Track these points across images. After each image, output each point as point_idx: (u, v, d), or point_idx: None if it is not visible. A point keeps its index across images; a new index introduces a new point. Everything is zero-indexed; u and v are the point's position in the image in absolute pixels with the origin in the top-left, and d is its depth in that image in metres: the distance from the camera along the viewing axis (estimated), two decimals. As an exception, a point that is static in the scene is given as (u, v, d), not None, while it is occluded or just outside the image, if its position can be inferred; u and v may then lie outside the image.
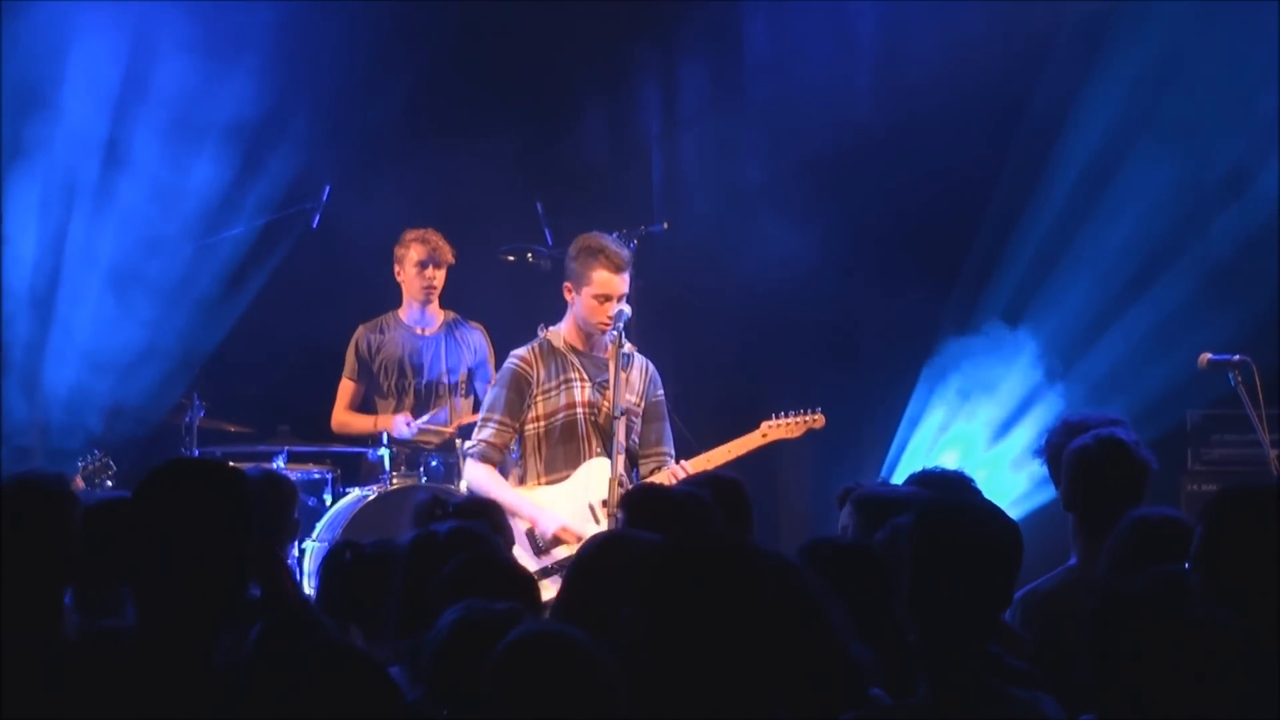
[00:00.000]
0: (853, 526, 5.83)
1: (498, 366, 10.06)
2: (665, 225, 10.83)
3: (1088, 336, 11.33)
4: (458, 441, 10.04)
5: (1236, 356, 8.98)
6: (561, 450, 8.81)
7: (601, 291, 8.72)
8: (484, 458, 8.80)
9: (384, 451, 10.07)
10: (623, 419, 8.65)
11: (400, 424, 10.25)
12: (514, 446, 8.95)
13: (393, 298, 10.62)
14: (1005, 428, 11.26)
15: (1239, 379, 8.91)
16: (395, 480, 9.96)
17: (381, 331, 10.54)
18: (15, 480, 5.04)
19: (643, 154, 12.33)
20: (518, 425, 8.82)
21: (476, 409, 10.30)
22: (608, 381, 8.76)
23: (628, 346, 8.86)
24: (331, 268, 11.35)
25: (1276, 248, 10.88)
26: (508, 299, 10.94)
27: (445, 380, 10.52)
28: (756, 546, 4.19)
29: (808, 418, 9.17)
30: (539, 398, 8.80)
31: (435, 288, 10.50)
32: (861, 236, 11.60)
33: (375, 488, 9.93)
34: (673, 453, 8.98)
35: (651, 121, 12.32)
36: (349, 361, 10.55)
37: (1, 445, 10.46)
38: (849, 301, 11.57)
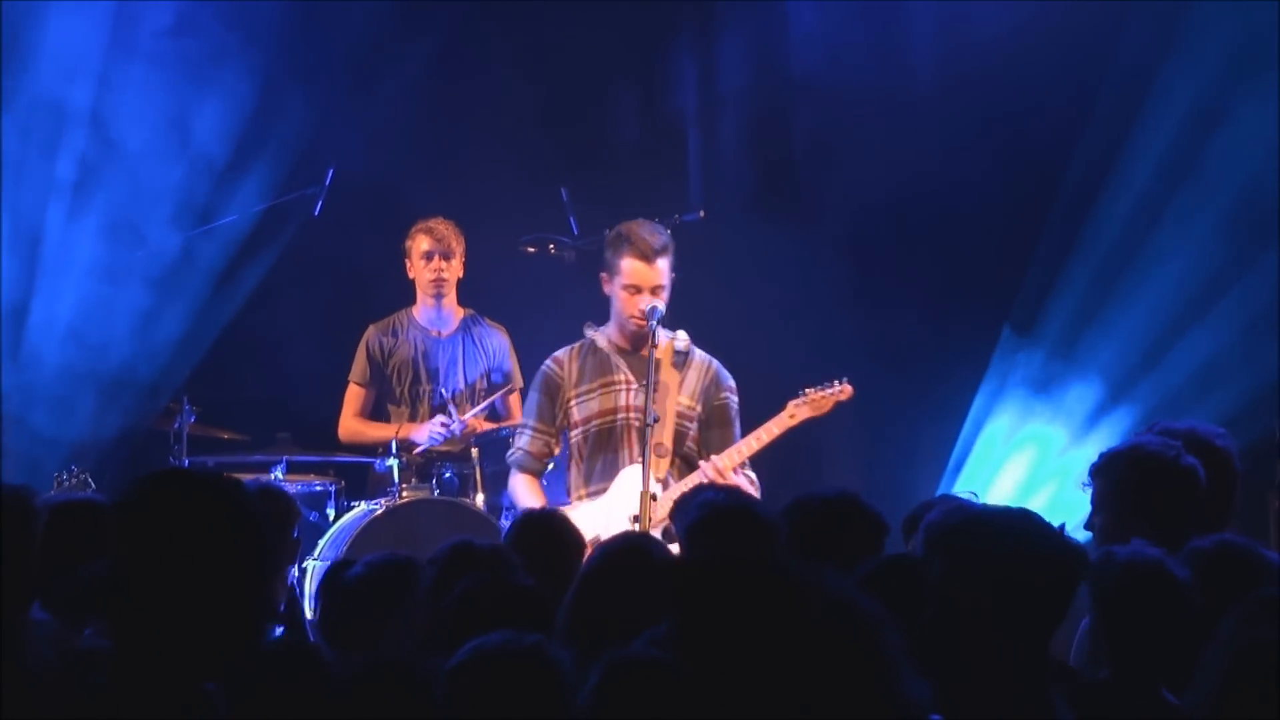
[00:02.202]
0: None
1: (523, 369, 10.45)
2: (701, 214, 10.83)
3: (1167, 338, 11.22)
4: (473, 451, 9.98)
5: (1326, 364, 9.10)
6: (600, 460, 8.89)
7: (630, 282, 8.74)
8: (521, 467, 8.97)
9: (393, 462, 9.92)
10: (655, 425, 8.61)
11: (424, 433, 10.16)
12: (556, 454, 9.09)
13: (405, 293, 10.57)
14: (1078, 436, 11.33)
15: (1328, 389, 9.02)
16: (405, 493, 9.81)
17: (394, 333, 10.50)
18: None
19: (677, 135, 12.21)
20: (555, 431, 8.93)
21: (492, 416, 10.50)
22: (657, 383, 8.73)
23: (684, 343, 8.92)
24: (336, 259, 11.32)
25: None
26: (529, 294, 11.00)
27: (463, 386, 10.45)
28: (798, 572, 4.09)
29: (834, 390, 8.99)
30: (572, 403, 8.91)
31: (444, 280, 10.43)
32: (913, 226, 11.59)
33: (383, 501, 9.75)
34: (747, 463, 8.90)
35: (687, 99, 12.25)
36: (359, 364, 10.48)
37: None
38: (903, 295, 11.51)
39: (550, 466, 9.11)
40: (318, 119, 11.21)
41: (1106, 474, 6.07)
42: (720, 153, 12.22)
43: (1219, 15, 11.08)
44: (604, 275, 8.84)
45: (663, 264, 8.72)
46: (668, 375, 8.82)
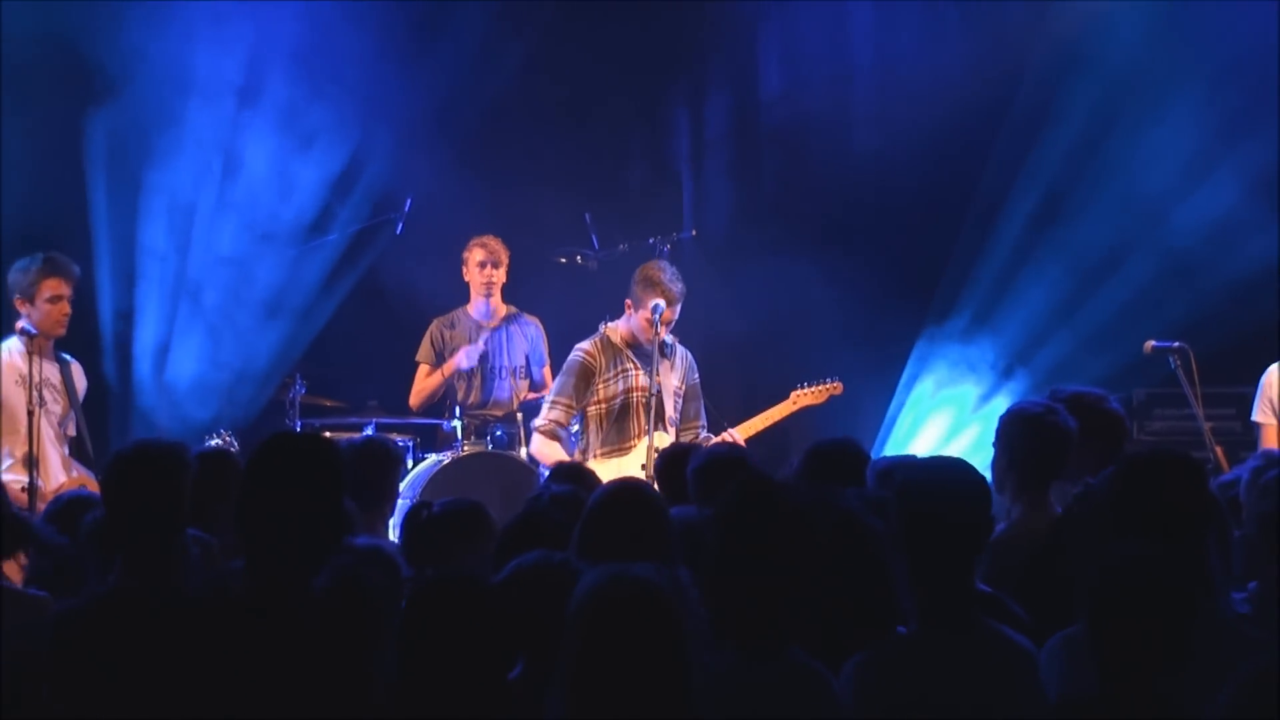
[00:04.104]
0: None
1: (552, 353, 10.53)
2: (693, 233, 11.18)
3: (1052, 325, 11.37)
4: (518, 415, 10.17)
5: (1176, 343, 9.17)
6: (616, 427, 9.16)
7: (653, 318, 9.04)
8: (550, 434, 9.16)
9: (456, 423, 10.11)
10: (658, 396, 8.98)
11: (463, 356, 10.31)
12: (574, 424, 9.31)
13: (462, 294, 10.67)
14: (984, 399, 11.36)
15: (1178, 362, 9.13)
16: (466, 447, 9.97)
17: (453, 325, 10.56)
18: (134, 446, 4.97)
19: (675, 173, 12.35)
20: (579, 407, 9.18)
21: (532, 388, 10.58)
22: (656, 369, 9.12)
23: (671, 338, 9.25)
24: (411, 267, 11.31)
25: (1214, 250, 10.93)
26: (560, 294, 11.04)
27: (507, 365, 10.51)
28: (818, 496, 4.45)
29: (829, 385, 9.51)
30: (600, 384, 9.15)
31: (494, 284, 10.51)
32: (858, 239, 11.71)
33: (449, 454, 9.90)
34: (705, 424, 9.31)
35: (682, 146, 12.37)
36: (425, 348, 10.58)
37: (131, 418, 10.59)
38: (849, 294, 11.42)
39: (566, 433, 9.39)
40: (399, 160, 11.32)
41: (999, 427, 6.02)
42: (707, 185, 12.33)
43: (1113, 38, 11.23)
44: (629, 301, 9.15)
45: (679, 305, 9.11)
46: (662, 364, 9.19)
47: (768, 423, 9.33)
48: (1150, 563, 4.06)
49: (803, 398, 9.43)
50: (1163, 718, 3.97)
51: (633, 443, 9.15)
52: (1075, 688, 4.28)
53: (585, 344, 9.28)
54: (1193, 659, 4.01)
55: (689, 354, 9.37)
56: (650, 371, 9.04)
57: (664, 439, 8.94)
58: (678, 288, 9.08)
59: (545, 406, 9.28)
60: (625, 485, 5.21)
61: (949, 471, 4.68)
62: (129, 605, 4.57)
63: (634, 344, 9.20)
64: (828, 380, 9.49)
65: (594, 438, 9.18)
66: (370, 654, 4.23)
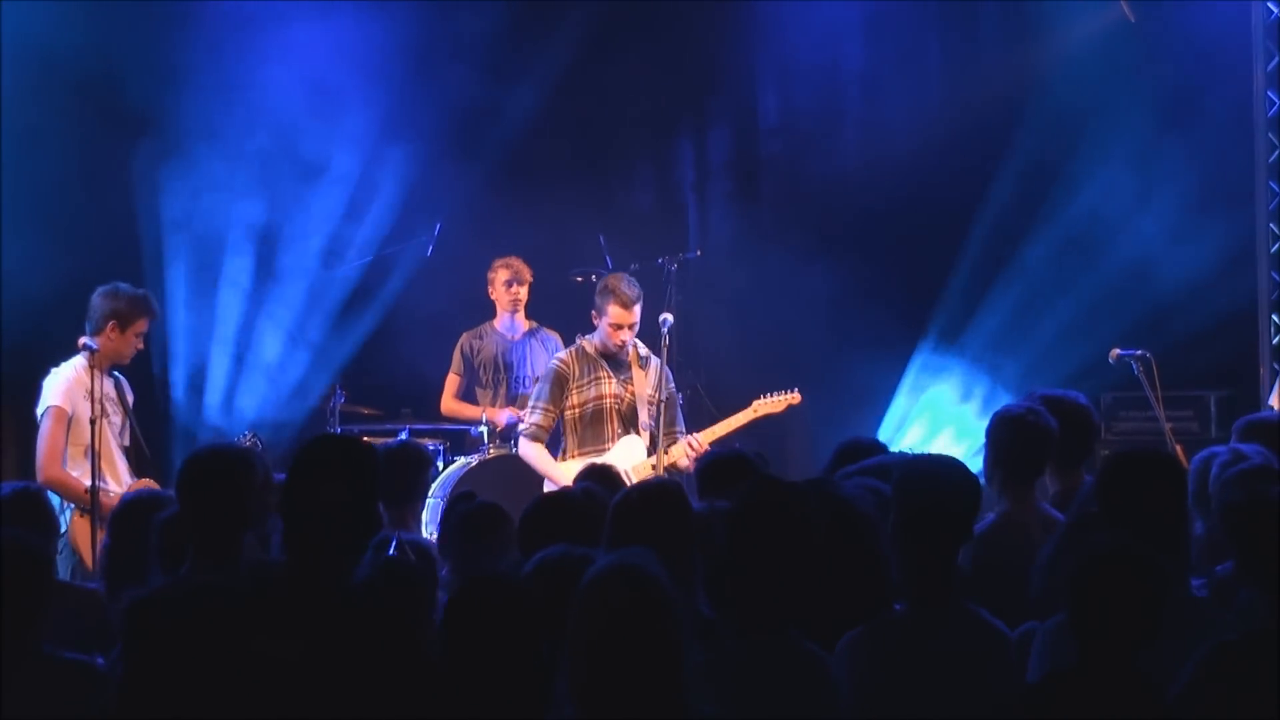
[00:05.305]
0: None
1: None
2: (699, 252, 11.18)
3: (1026, 332, 11.40)
4: None
5: (1139, 351, 9.32)
6: (591, 430, 9.08)
7: (613, 322, 9.04)
8: (534, 437, 9.13)
9: (483, 429, 10.21)
10: (630, 403, 9.04)
11: (503, 416, 10.27)
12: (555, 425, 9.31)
13: (487, 310, 10.70)
14: (964, 400, 11.41)
15: (1141, 369, 9.25)
16: (491, 451, 10.04)
17: (481, 337, 10.60)
18: (206, 450, 5.06)
19: (681, 199, 12.45)
20: (559, 411, 9.11)
21: None
22: (629, 378, 9.12)
23: (644, 349, 9.23)
24: (441, 286, 11.32)
25: (1174, 267, 10.96)
26: (577, 310, 10.61)
27: (530, 375, 10.45)
28: (807, 490, 4.42)
29: (787, 396, 9.30)
30: (574, 390, 9.09)
31: (519, 300, 10.57)
32: (848, 257, 11.62)
33: (476, 456, 10.00)
34: (684, 430, 9.22)
35: (688, 174, 12.46)
36: (455, 360, 10.62)
37: (175, 427, 10.73)
38: (844, 308, 11.44)
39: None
40: (429, 190, 11.35)
41: (988, 429, 5.94)
42: (711, 209, 12.40)
43: (1076, 75, 11.22)
44: (594, 313, 9.11)
45: (636, 309, 9.04)
46: (637, 373, 9.18)
47: (730, 428, 9.17)
48: (1126, 548, 4.14)
49: (763, 406, 9.24)
50: (1135, 686, 4.03)
51: (607, 445, 9.06)
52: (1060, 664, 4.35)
53: (563, 353, 9.32)
54: (1162, 636, 4.06)
55: (664, 364, 9.20)
56: (650, 376, 9.08)
57: (638, 442, 9.03)
58: (632, 292, 9.03)
59: (527, 411, 9.28)
60: (651, 484, 5.23)
61: (944, 467, 4.77)
62: (198, 593, 4.36)
63: (605, 353, 9.14)
64: (786, 391, 9.27)
65: (571, 440, 9.15)
66: (416, 634, 4.17)
